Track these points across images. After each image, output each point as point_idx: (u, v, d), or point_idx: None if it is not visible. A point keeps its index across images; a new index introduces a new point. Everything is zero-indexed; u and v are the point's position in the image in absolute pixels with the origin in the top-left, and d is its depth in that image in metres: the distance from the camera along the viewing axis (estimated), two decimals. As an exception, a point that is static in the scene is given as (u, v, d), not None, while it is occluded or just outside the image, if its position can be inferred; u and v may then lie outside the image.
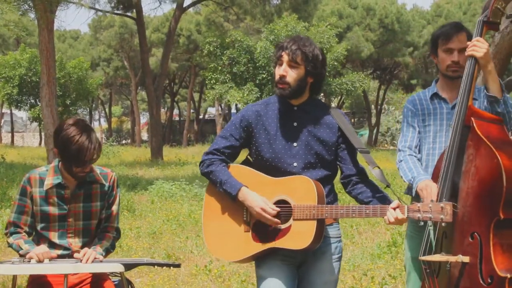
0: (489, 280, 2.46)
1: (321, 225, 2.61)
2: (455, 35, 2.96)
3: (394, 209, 2.51)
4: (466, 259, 2.55)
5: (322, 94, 22.99)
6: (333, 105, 37.87)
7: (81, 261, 2.75)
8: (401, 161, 3.02)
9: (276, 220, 2.61)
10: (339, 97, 33.35)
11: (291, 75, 2.67)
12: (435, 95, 3.10)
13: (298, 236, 2.58)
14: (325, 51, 21.25)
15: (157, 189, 11.49)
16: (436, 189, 2.68)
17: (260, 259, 2.75)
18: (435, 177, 2.81)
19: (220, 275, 5.41)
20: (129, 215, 8.99)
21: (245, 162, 2.88)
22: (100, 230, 3.03)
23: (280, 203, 2.64)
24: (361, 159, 2.80)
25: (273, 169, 2.71)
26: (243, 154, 2.92)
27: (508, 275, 2.40)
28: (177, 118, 51.28)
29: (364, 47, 31.17)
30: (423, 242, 2.74)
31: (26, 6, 16.81)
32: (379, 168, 2.67)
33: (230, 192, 2.68)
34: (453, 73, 3.00)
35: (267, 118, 2.76)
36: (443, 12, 33.87)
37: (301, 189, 2.61)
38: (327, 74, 20.48)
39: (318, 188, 2.61)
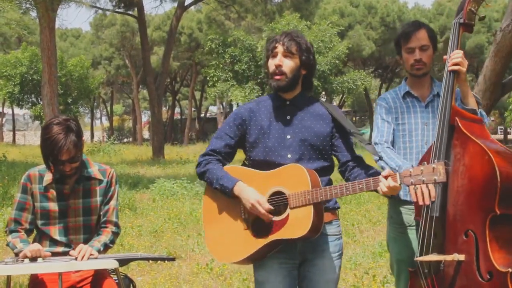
0: (488, 276, 2.47)
1: (319, 211, 2.55)
2: (413, 34, 3.01)
3: (386, 177, 2.45)
4: (461, 257, 2.56)
5: (323, 93, 22.98)
6: (334, 103, 38.00)
7: (76, 258, 2.75)
8: (379, 152, 2.96)
9: (269, 215, 2.57)
10: (341, 96, 33.36)
11: (287, 65, 2.68)
12: (407, 94, 3.13)
13: (296, 224, 2.53)
14: (326, 50, 21.35)
15: (159, 187, 11.50)
16: (433, 187, 2.61)
17: (258, 263, 2.73)
18: None
19: (221, 273, 5.42)
20: (131, 214, 9.01)
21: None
22: (99, 226, 3.04)
23: (276, 194, 2.61)
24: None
25: (268, 164, 2.69)
26: (240, 160, 2.91)
27: (510, 270, 2.41)
28: (178, 117, 51.32)
29: (366, 46, 31.18)
30: (419, 243, 2.72)
31: (28, 4, 16.84)
32: (370, 143, 2.70)
33: (226, 186, 2.65)
34: (418, 71, 3.04)
35: (260, 113, 2.77)
36: (444, 10, 33.80)
37: (294, 177, 2.58)
38: (328, 72, 20.22)
39: (310, 173, 2.58)
